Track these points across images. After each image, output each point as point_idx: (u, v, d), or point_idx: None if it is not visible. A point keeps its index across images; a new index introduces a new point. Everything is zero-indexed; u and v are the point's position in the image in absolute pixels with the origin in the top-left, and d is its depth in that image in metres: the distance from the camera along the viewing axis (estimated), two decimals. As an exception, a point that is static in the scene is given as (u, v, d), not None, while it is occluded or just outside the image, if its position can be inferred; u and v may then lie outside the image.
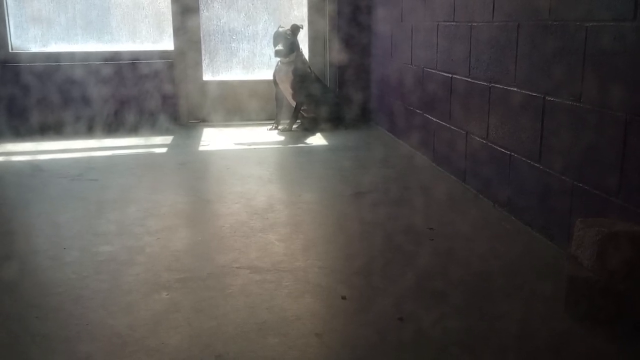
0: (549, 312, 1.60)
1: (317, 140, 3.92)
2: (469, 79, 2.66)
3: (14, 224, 2.40)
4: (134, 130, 4.16)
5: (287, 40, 4.04)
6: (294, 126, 4.21)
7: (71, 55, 4.15)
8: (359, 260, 1.98)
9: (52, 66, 4.09)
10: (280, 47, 4.03)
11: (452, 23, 2.81)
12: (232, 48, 4.48)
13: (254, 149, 3.69)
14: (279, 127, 4.22)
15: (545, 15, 2.03)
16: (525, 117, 2.20)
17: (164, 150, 3.64)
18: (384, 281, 1.80)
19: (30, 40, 4.21)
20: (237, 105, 4.47)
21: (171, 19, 4.28)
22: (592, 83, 1.81)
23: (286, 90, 4.18)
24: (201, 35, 4.39)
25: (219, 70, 4.49)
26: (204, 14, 4.39)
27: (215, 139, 3.94)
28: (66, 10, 4.23)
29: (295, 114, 4.21)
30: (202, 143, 3.82)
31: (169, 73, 4.27)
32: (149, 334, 1.49)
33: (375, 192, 2.73)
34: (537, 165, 2.12)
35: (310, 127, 4.20)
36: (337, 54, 4.42)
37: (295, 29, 4.09)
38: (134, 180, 2.97)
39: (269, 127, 4.26)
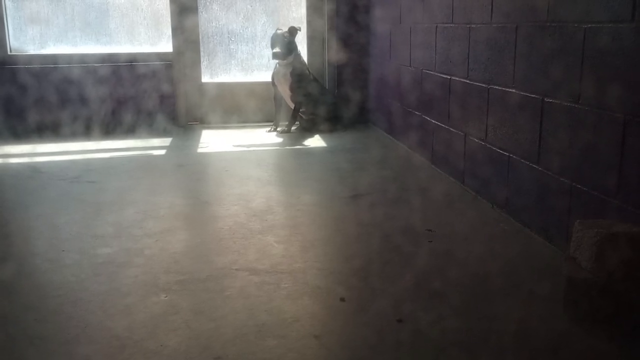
0: (548, 312, 1.60)
1: (315, 141, 3.92)
2: (467, 81, 2.66)
3: (12, 226, 2.40)
4: (132, 132, 4.16)
5: (285, 42, 4.04)
6: (293, 128, 4.22)
7: (70, 57, 4.15)
8: (357, 261, 1.98)
9: (50, 68, 4.09)
10: (278, 49, 4.03)
11: (451, 24, 2.81)
12: (231, 50, 4.48)
13: (253, 150, 3.69)
14: (278, 129, 4.22)
15: (544, 16, 2.04)
16: (523, 118, 2.20)
17: (162, 152, 3.64)
18: (382, 282, 1.80)
19: (28, 42, 4.21)
20: (235, 106, 4.48)
21: (170, 20, 4.28)
22: (590, 84, 1.82)
23: (285, 92, 4.19)
24: (200, 36, 4.39)
25: (218, 72, 4.49)
26: (203, 15, 4.39)
27: (213, 140, 3.94)
28: (64, 12, 4.23)
29: (294, 115, 4.21)
30: (200, 145, 3.82)
31: (168, 75, 4.27)
32: (148, 336, 1.49)
33: (373, 194, 2.73)
34: (536, 166, 2.12)
35: (308, 128, 4.20)
36: (335, 54, 4.42)
37: (293, 31, 4.09)
38: (133, 182, 2.97)
39: (268, 129, 4.26)
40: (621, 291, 1.47)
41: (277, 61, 4.13)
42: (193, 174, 3.19)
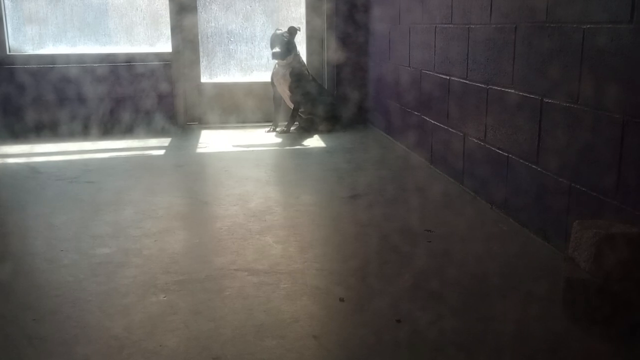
0: (546, 312, 1.60)
1: (314, 142, 3.92)
2: (466, 81, 2.66)
3: (10, 226, 2.40)
4: (131, 132, 4.15)
5: (285, 42, 4.04)
6: (292, 128, 4.22)
7: (68, 57, 4.15)
8: (356, 261, 1.98)
9: (49, 68, 4.08)
10: (277, 49, 4.03)
11: (450, 25, 2.82)
12: (230, 50, 4.48)
13: (252, 150, 3.69)
14: (277, 129, 4.22)
15: (542, 17, 2.04)
16: (522, 118, 2.20)
17: (161, 152, 3.64)
18: (381, 282, 1.80)
19: (27, 42, 4.20)
20: (234, 107, 4.48)
21: (169, 20, 4.28)
22: (589, 84, 1.82)
23: (284, 92, 4.19)
24: (199, 36, 4.38)
25: (217, 72, 4.49)
26: (202, 15, 4.39)
27: (212, 140, 3.94)
28: (63, 12, 4.22)
29: (293, 115, 4.21)
30: (199, 145, 3.82)
31: (166, 75, 4.27)
32: (146, 336, 1.49)
33: (372, 194, 2.73)
34: (535, 167, 2.12)
35: (307, 129, 4.21)
36: (334, 54, 4.42)
37: (292, 31, 4.09)
38: (131, 182, 2.97)
39: (267, 129, 4.26)
40: (619, 291, 1.47)
41: (276, 61, 4.13)
42: (192, 174, 3.19)
